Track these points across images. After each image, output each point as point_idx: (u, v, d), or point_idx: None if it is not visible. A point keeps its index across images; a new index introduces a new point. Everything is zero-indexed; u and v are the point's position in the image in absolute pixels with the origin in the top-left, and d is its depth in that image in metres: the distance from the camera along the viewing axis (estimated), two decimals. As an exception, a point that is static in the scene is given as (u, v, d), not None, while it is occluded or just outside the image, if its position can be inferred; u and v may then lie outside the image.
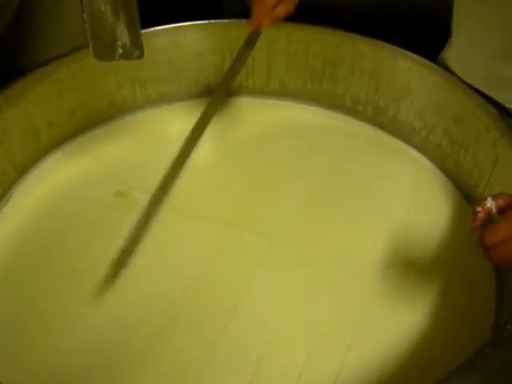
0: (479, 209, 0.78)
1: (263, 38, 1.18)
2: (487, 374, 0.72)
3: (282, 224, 1.08)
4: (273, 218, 1.09)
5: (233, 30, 1.24)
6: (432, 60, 1.15)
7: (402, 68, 1.19)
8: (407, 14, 1.28)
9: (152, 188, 1.09)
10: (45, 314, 0.94)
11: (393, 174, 1.18)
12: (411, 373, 0.88)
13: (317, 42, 1.24)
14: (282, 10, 1.04)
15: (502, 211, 0.77)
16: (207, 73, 1.28)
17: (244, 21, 1.12)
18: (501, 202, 0.77)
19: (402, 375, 0.88)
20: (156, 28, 1.20)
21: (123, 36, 0.85)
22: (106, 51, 0.87)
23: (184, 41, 1.24)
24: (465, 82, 1.09)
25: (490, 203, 0.78)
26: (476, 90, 1.07)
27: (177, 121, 1.27)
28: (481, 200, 0.79)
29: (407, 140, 1.24)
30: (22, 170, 1.15)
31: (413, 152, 1.23)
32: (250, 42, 1.11)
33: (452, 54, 1.11)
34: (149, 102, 1.30)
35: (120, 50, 0.86)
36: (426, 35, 1.22)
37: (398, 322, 0.94)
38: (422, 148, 1.22)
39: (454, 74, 1.10)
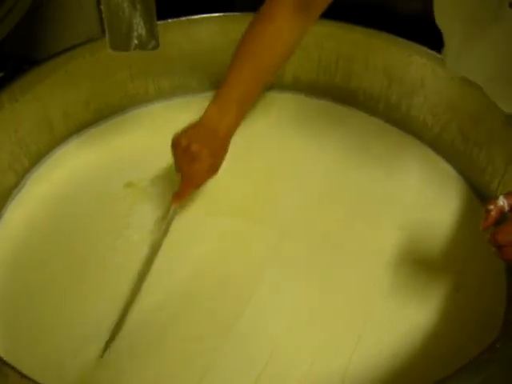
0: (492, 207, 0.78)
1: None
2: (497, 370, 0.72)
3: (292, 218, 1.08)
4: (283, 211, 1.09)
5: (246, 23, 1.23)
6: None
7: (416, 64, 1.18)
8: (419, 9, 1.28)
9: (162, 180, 1.10)
10: (57, 300, 0.95)
11: (404, 171, 1.18)
12: (421, 368, 0.88)
13: (331, 36, 1.24)
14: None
15: (514, 210, 0.77)
16: (220, 66, 1.28)
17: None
18: (513, 201, 0.77)
19: (412, 371, 0.88)
20: (170, 20, 1.20)
21: (139, 27, 0.85)
22: (121, 42, 0.87)
23: (197, 33, 1.25)
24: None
25: (502, 201, 0.78)
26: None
27: (189, 113, 1.26)
28: (493, 198, 0.78)
29: (419, 136, 1.24)
30: (36, 159, 1.16)
31: (425, 148, 1.22)
32: None
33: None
34: (161, 95, 1.30)
35: (136, 41, 0.87)
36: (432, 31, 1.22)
37: (407, 318, 0.94)
38: (434, 145, 1.22)
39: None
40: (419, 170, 1.18)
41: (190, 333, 0.91)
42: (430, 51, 1.16)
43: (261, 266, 1.00)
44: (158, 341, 0.90)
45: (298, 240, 1.05)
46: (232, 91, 0.99)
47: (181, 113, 1.27)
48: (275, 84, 1.32)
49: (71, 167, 1.16)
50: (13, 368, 0.71)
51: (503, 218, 0.78)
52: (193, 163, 0.96)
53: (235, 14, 1.26)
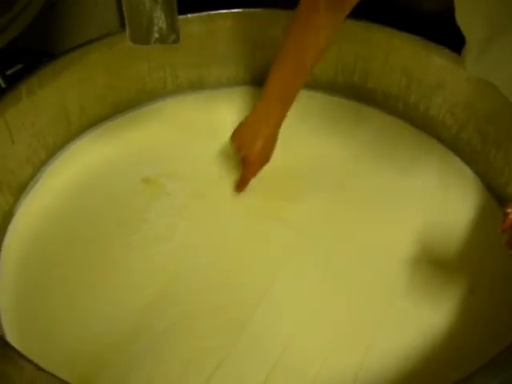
0: (510, 210, 0.77)
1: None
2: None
3: (308, 217, 1.08)
4: (300, 210, 1.09)
5: (266, 20, 1.24)
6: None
7: (435, 64, 1.18)
8: (438, 9, 1.28)
9: (179, 175, 1.10)
10: (71, 295, 0.95)
11: (422, 171, 1.17)
12: (434, 369, 0.88)
13: (350, 35, 1.23)
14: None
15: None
16: (239, 61, 1.28)
17: (278, 10, 1.13)
18: (532, 204, 0.77)
19: (425, 372, 0.87)
20: (190, 15, 1.20)
21: (160, 21, 0.85)
22: (142, 35, 0.87)
23: (217, 29, 1.25)
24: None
25: None
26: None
27: (206, 109, 1.27)
28: (511, 201, 0.78)
29: (437, 136, 1.23)
30: (52, 152, 1.16)
31: (443, 148, 1.22)
32: None
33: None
34: (179, 89, 1.30)
35: (156, 35, 0.86)
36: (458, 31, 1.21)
37: (421, 319, 0.93)
38: (452, 145, 1.21)
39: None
40: (437, 171, 1.17)
41: (201, 330, 0.91)
42: (448, 51, 1.15)
43: (275, 265, 1.00)
44: (169, 336, 0.90)
45: (314, 239, 1.05)
46: (275, 90, 1.10)
47: (198, 108, 1.28)
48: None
49: (87, 161, 1.16)
50: (29, 360, 0.70)
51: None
52: (250, 155, 1.09)
53: (255, 10, 1.25)
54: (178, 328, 0.91)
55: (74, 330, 0.91)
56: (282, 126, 1.10)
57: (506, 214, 0.78)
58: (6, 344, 0.74)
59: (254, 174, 1.12)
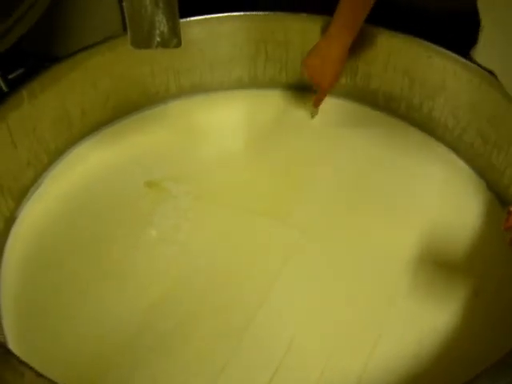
0: (513, 208, 0.78)
1: (297, 31, 1.18)
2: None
3: (312, 218, 1.08)
4: (304, 211, 1.09)
5: (267, 23, 1.24)
6: (466, 58, 1.13)
7: (437, 66, 1.18)
8: (440, 10, 1.28)
9: (183, 178, 1.10)
10: (76, 299, 0.95)
11: (424, 172, 1.17)
12: (436, 373, 0.87)
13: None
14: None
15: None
16: (241, 64, 1.28)
17: (280, 13, 1.13)
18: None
19: (429, 374, 0.87)
20: (191, 18, 1.21)
21: (162, 25, 0.85)
22: (143, 39, 0.87)
23: (219, 32, 1.24)
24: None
25: None
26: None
27: (209, 112, 1.27)
28: None
29: (440, 138, 1.23)
30: (54, 156, 1.16)
31: (445, 150, 1.22)
32: None
33: (480, 51, 1.09)
34: (181, 93, 1.30)
35: (158, 39, 0.86)
36: (460, 33, 1.21)
37: (426, 320, 0.93)
38: (454, 146, 1.21)
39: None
40: (440, 172, 1.17)
41: (205, 331, 0.91)
42: (450, 53, 1.15)
43: (278, 265, 1.00)
44: (174, 337, 0.90)
45: (316, 240, 1.04)
46: (345, 18, 1.18)
47: (201, 111, 1.28)
48: (297, 85, 1.33)
49: (90, 165, 1.16)
50: (29, 367, 0.70)
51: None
52: (322, 82, 1.21)
53: (256, 13, 1.25)
54: (179, 331, 0.90)
55: (78, 332, 0.90)
56: (282, 127, 1.09)
57: (509, 213, 0.78)
58: (8, 351, 0.74)
59: (326, 94, 1.24)
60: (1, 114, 1.01)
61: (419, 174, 1.17)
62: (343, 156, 1.19)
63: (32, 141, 1.09)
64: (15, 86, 1.06)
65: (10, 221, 1.05)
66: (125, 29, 0.90)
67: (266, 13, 1.24)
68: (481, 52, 1.09)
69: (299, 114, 1.16)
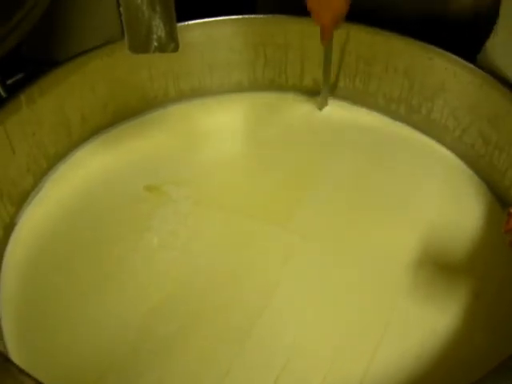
0: (514, 210, 0.77)
1: (297, 33, 1.18)
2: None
3: (311, 221, 1.07)
4: (302, 214, 1.08)
5: (267, 26, 1.24)
6: (468, 59, 1.13)
7: (438, 67, 1.17)
8: (442, 13, 1.27)
9: (182, 182, 1.10)
10: (78, 303, 0.95)
11: (425, 173, 1.17)
12: (440, 374, 0.87)
13: (351, 38, 1.23)
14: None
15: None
16: (240, 68, 1.28)
17: (279, 16, 1.13)
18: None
19: (431, 377, 0.87)
20: (190, 22, 1.20)
21: (159, 29, 0.85)
22: (141, 44, 0.87)
23: (218, 35, 1.24)
24: (504, 81, 1.07)
25: None
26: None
27: (208, 116, 1.27)
28: None
29: (440, 139, 1.23)
30: (54, 161, 1.15)
31: (445, 152, 1.21)
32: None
33: (497, 42, 1.08)
34: (181, 97, 1.30)
35: (155, 43, 0.86)
36: (462, 35, 1.21)
37: (426, 323, 0.93)
38: (454, 148, 1.21)
39: (497, 68, 1.09)
40: (440, 174, 1.17)
41: (207, 333, 0.91)
42: (450, 54, 1.14)
43: (279, 269, 0.99)
44: (169, 349, 0.89)
45: (317, 242, 1.04)
46: None
47: (200, 115, 1.28)
48: (295, 87, 1.32)
49: (89, 170, 1.16)
50: (29, 376, 0.70)
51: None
52: (325, 22, 1.12)
53: (255, 16, 1.25)
54: (179, 337, 0.90)
55: (81, 338, 0.90)
56: (282, 130, 1.09)
57: (509, 214, 0.77)
58: (7, 359, 0.74)
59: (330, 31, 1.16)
60: (-1, 120, 1.01)
61: (419, 175, 1.17)
62: (342, 160, 1.19)
63: (31, 146, 1.09)
64: (14, 91, 1.05)
65: (11, 226, 1.05)
66: (123, 33, 0.90)
67: (266, 16, 1.23)
68: (498, 43, 1.09)
69: (299, 116, 1.16)
